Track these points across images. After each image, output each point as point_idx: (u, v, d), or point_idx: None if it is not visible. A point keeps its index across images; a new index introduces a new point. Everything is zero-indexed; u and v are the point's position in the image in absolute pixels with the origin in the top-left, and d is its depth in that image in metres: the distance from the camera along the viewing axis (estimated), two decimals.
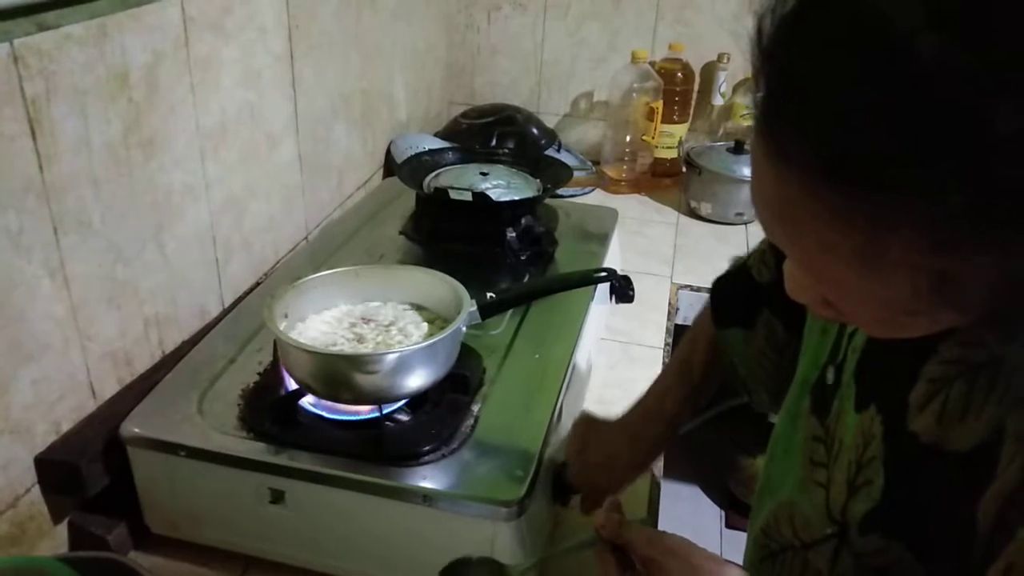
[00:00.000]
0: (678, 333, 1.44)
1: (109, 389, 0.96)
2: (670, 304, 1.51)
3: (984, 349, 0.51)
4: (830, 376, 0.64)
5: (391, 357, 0.80)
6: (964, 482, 0.50)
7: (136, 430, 0.87)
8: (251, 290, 1.23)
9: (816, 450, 0.64)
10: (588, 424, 0.92)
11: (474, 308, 0.89)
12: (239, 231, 1.20)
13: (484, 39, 2.00)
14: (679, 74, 1.91)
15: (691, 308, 1.54)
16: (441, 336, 0.83)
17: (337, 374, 0.81)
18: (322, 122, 1.42)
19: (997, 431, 0.49)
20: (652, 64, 1.88)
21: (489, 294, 0.90)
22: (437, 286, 0.95)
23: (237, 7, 1.11)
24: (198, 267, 1.11)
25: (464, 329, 0.88)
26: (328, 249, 1.32)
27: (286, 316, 0.90)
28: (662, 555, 0.60)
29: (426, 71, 1.93)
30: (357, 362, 0.80)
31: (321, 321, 0.93)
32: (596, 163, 1.95)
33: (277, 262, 1.32)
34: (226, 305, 1.19)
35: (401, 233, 1.30)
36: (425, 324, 0.94)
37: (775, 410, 0.78)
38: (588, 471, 0.89)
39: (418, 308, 0.98)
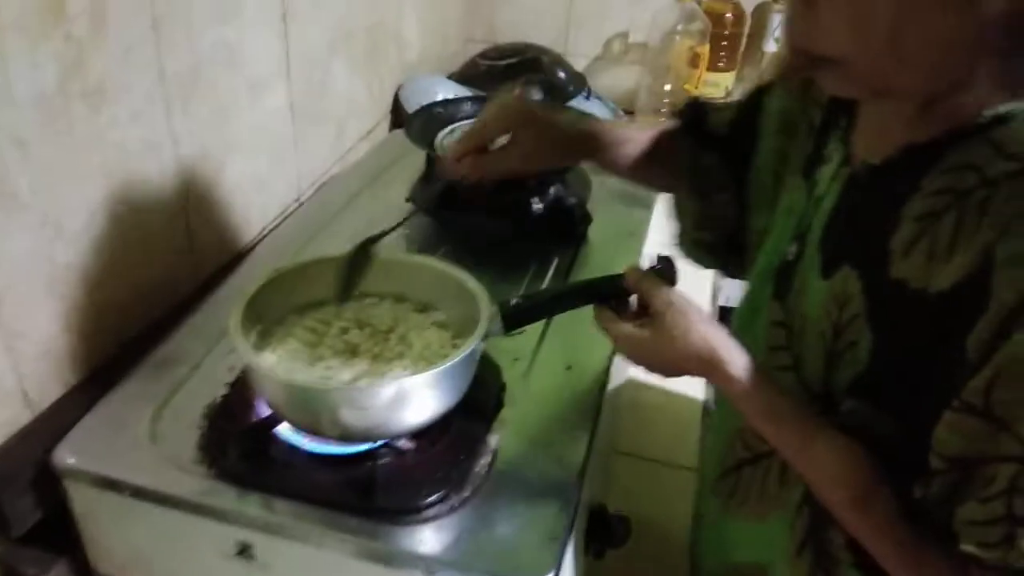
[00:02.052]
0: (722, 317, 1.26)
1: (49, 395, 0.79)
2: (713, 285, 1.33)
3: (974, 172, 0.50)
4: (791, 252, 0.65)
5: (387, 390, 0.62)
6: (951, 323, 0.50)
7: (71, 460, 0.70)
8: (232, 263, 1.05)
9: (776, 335, 0.65)
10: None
11: (496, 318, 0.70)
12: (215, 194, 1.02)
13: None
14: (728, 15, 1.68)
15: (736, 288, 1.35)
16: (452, 361, 0.65)
17: (320, 410, 0.63)
18: (318, 63, 1.22)
19: (985, 263, 0.48)
20: (699, 2, 1.65)
21: (514, 300, 0.71)
22: (449, 282, 0.76)
23: None
24: (163, 239, 0.93)
25: (482, 346, 0.70)
26: (324, 216, 1.13)
27: (259, 321, 0.72)
28: (666, 306, 0.64)
29: (441, 4, 1.70)
30: (344, 397, 0.63)
31: (304, 327, 0.74)
32: (630, 113, 1.73)
33: (264, 229, 1.14)
34: (202, 277, 1.01)
35: (408, 200, 1.11)
36: (432, 330, 0.76)
37: (687, 244, 0.87)
38: (520, 113, 0.79)
39: (424, 309, 0.79)
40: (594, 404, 0.81)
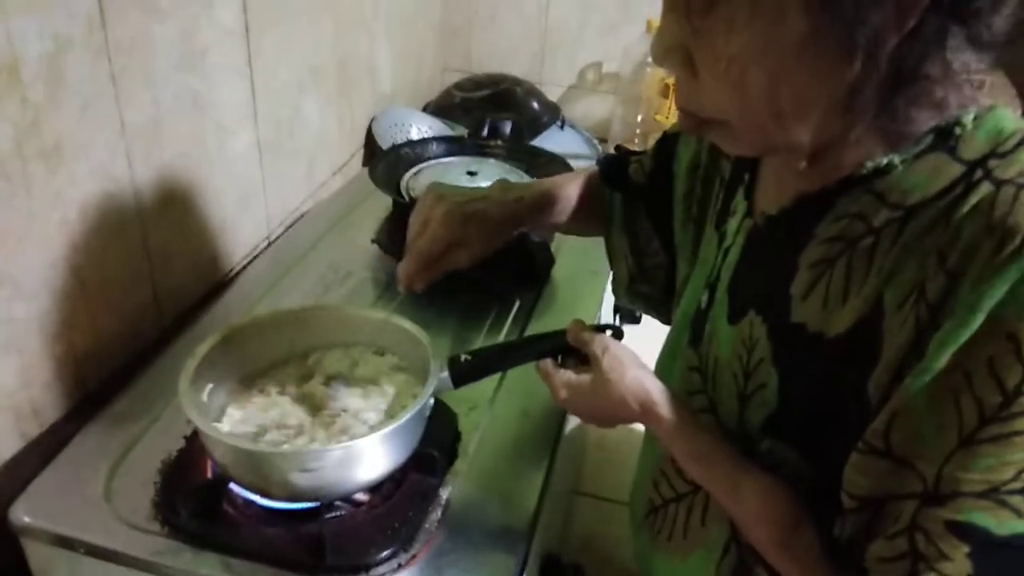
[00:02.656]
0: None
1: (8, 448, 0.80)
2: None
3: (861, 220, 0.54)
4: (704, 300, 0.68)
5: (335, 453, 0.63)
6: (848, 365, 0.53)
7: (27, 519, 0.71)
8: (198, 307, 1.06)
9: (692, 380, 0.69)
10: (439, 187, 0.86)
11: (445, 374, 0.72)
12: (180, 240, 1.03)
13: None
14: None
15: None
16: (400, 421, 0.66)
17: (268, 472, 0.64)
18: (287, 102, 1.23)
19: (875, 307, 0.52)
20: None
21: (464, 356, 0.73)
22: (401, 337, 0.77)
23: None
24: (125, 288, 0.94)
25: (432, 402, 0.71)
26: (293, 256, 1.14)
27: (212, 377, 0.73)
28: (602, 351, 0.68)
29: (416, 35, 1.72)
30: (292, 460, 0.64)
31: (257, 384, 0.75)
32: (603, 141, 1.75)
33: (232, 271, 1.15)
34: (167, 324, 1.02)
35: (374, 241, 1.12)
36: (388, 385, 0.77)
37: (623, 301, 0.90)
38: (459, 216, 0.80)
39: (381, 353, 0.81)
40: (548, 451, 0.82)
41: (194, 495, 0.70)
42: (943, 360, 0.47)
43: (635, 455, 0.80)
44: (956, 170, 0.50)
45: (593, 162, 0.92)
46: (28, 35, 0.73)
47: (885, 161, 0.53)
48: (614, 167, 0.88)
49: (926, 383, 0.48)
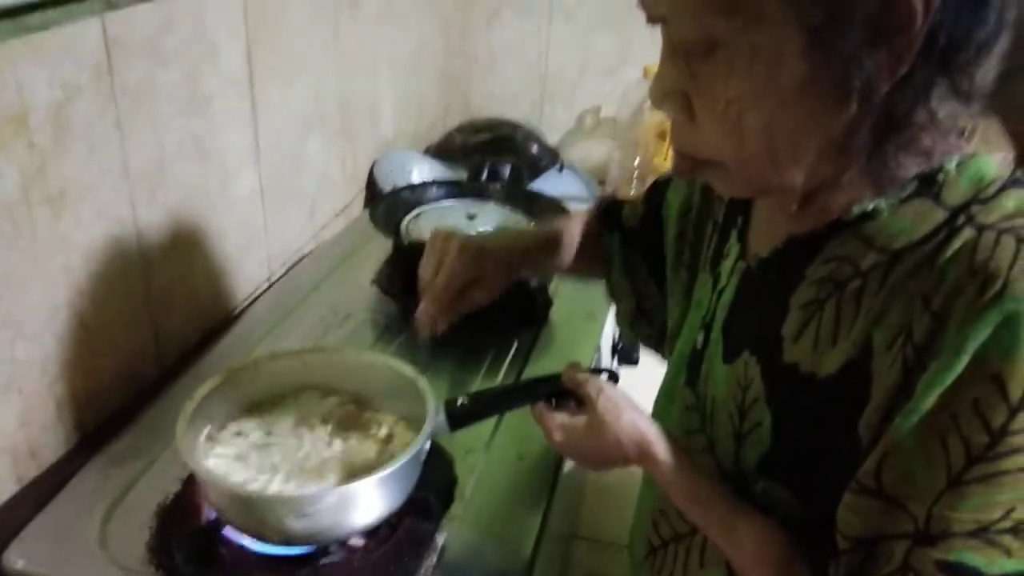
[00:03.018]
0: None
1: (5, 491, 0.80)
2: None
3: (849, 263, 0.55)
4: (699, 340, 0.69)
5: (330, 497, 0.63)
6: (840, 405, 0.54)
7: (20, 564, 0.71)
8: (199, 346, 1.07)
9: (690, 420, 0.69)
10: (444, 228, 0.86)
11: (441, 418, 0.72)
12: (182, 281, 1.04)
13: (483, 45, 1.82)
14: None
15: None
16: (396, 465, 0.66)
17: (263, 516, 0.64)
18: (290, 146, 1.25)
19: (864, 349, 0.53)
20: None
21: (461, 399, 0.73)
22: (398, 380, 0.78)
23: (178, 24, 0.93)
24: (126, 330, 0.94)
25: (428, 446, 0.71)
26: (294, 298, 1.15)
27: (211, 419, 0.74)
28: (597, 392, 0.69)
29: (418, 80, 1.75)
30: (287, 504, 0.64)
31: (255, 427, 0.76)
32: (602, 183, 1.76)
33: (233, 311, 1.16)
34: (167, 365, 1.03)
35: (373, 283, 1.13)
36: (384, 428, 0.77)
37: (629, 339, 0.93)
38: (474, 250, 0.81)
39: (377, 396, 0.81)
40: (545, 494, 0.82)
41: (189, 539, 0.70)
42: (931, 401, 0.48)
43: (633, 497, 0.80)
44: (940, 215, 0.52)
45: (591, 203, 0.93)
46: (37, 84, 0.75)
47: (872, 206, 0.54)
48: (610, 211, 0.90)
49: (915, 424, 0.48)
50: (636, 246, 0.87)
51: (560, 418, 0.71)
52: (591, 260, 0.90)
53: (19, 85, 0.73)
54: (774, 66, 0.49)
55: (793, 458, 0.59)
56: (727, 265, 0.68)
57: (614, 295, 0.91)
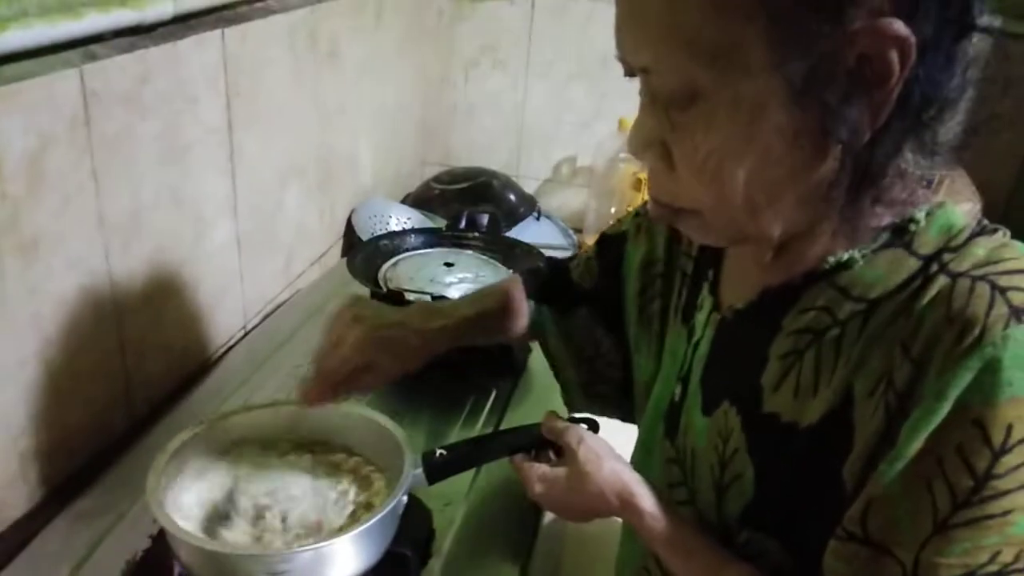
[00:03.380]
0: None
1: None
2: None
3: (826, 313, 0.55)
4: (677, 392, 0.68)
5: (304, 556, 0.62)
6: (823, 454, 0.54)
7: None
8: (172, 396, 1.05)
9: (672, 472, 0.68)
10: (358, 301, 0.80)
11: (419, 471, 0.71)
12: (155, 331, 1.02)
13: (461, 96, 1.84)
14: None
15: None
16: (372, 521, 0.65)
17: (234, 573, 0.62)
18: (268, 196, 1.25)
19: (845, 397, 0.53)
20: None
21: (439, 451, 0.72)
22: (375, 432, 0.77)
23: (157, 76, 0.93)
24: (96, 382, 0.93)
25: (405, 500, 0.70)
26: (269, 348, 1.14)
27: (181, 473, 0.72)
28: (577, 442, 0.69)
29: (397, 130, 1.77)
30: (259, 562, 0.62)
31: (228, 480, 0.74)
32: (578, 231, 1.78)
33: (208, 359, 1.14)
34: (139, 415, 1.01)
35: None
36: (360, 481, 0.76)
37: (578, 406, 0.88)
38: (374, 341, 0.74)
39: (351, 450, 0.79)
40: (525, 547, 0.80)
41: None
42: (914, 447, 0.48)
43: (615, 549, 0.79)
44: (913, 264, 0.52)
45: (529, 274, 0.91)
46: (12, 132, 0.75)
47: (846, 256, 0.55)
48: (545, 280, 0.88)
49: (899, 470, 0.49)
50: (585, 307, 0.85)
51: (540, 470, 0.70)
52: (520, 333, 0.87)
53: None
54: (756, 117, 0.49)
55: (777, 507, 0.58)
56: (701, 318, 0.69)
57: (555, 365, 0.89)
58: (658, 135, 0.54)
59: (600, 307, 0.85)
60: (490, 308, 0.83)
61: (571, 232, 1.77)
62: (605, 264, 0.85)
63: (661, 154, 0.54)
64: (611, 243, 0.84)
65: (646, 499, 0.64)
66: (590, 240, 1.76)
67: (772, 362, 0.58)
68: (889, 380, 0.50)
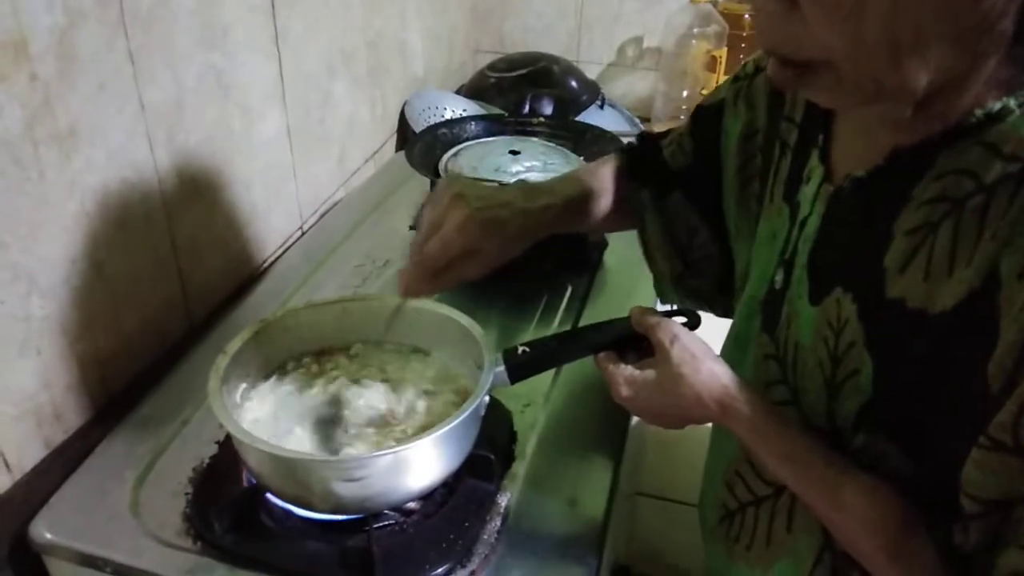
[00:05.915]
0: None
1: (29, 459, 0.74)
2: None
3: (969, 177, 0.46)
4: (779, 279, 0.61)
5: (383, 461, 0.56)
6: (958, 346, 0.46)
7: (49, 536, 0.65)
8: (228, 300, 1.00)
9: (769, 369, 0.61)
10: (457, 179, 0.72)
11: (501, 369, 0.64)
12: (209, 230, 0.96)
13: None
14: (747, 16, 1.61)
15: None
16: (453, 423, 0.58)
17: (310, 482, 0.57)
18: (317, 84, 1.16)
19: (990, 278, 0.45)
20: (715, 4, 1.57)
21: (521, 348, 0.65)
22: (450, 329, 0.70)
23: None
24: (151, 284, 0.88)
25: (487, 400, 0.64)
26: (327, 246, 1.08)
27: (247, 375, 0.67)
28: (671, 340, 0.61)
29: (447, 15, 1.65)
30: (336, 468, 0.57)
31: (292, 380, 0.68)
32: (646, 120, 1.66)
33: (264, 263, 1.08)
34: (196, 320, 0.96)
35: (412, 227, 1.05)
36: (427, 384, 0.70)
37: (671, 299, 0.80)
38: (478, 224, 0.66)
39: (422, 353, 0.73)
40: (615, 448, 0.74)
41: (229, 507, 0.64)
42: None
43: (699, 451, 0.72)
44: None
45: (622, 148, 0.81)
46: (36, 7, 0.67)
47: (999, 106, 0.45)
48: (640, 157, 0.78)
49: None
50: (680, 190, 0.76)
51: (628, 371, 0.63)
52: (622, 218, 0.79)
53: (15, 8, 0.65)
54: None
55: (899, 408, 0.51)
56: (808, 191, 0.59)
57: (649, 255, 0.81)
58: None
59: (696, 190, 0.75)
60: (591, 188, 0.74)
61: (638, 121, 1.65)
62: (700, 140, 0.74)
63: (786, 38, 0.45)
64: (707, 115, 0.74)
65: (748, 404, 0.57)
66: (660, 130, 1.65)
67: (898, 239, 0.50)
68: None
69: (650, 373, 0.61)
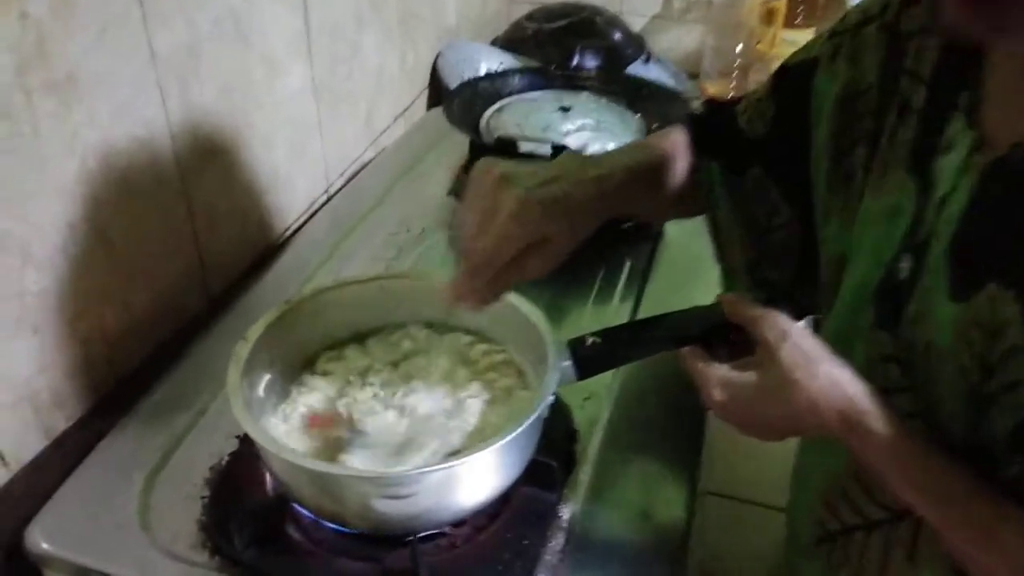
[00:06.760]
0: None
1: (28, 449, 0.66)
2: None
3: None
4: (904, 269, 0.51)
5: (434, 476, 0.47)
6: None
7: (45, 545, 0.57)
8: (249, 272, 0.91)
9: (888, 374, 0.51)
10: (494, 162, 0.57)
11: (568, 363, 0.55)
12: (227, 195, 0.87)
13: None
14: None
15: None
16: (515, 432, 0.49)
17: (346, 498, 0.48)
18: (344, 35, 1.06)
19: None
20: None
21: (590, 339, 0.55)
22: (506, 315, 0.60)
23: None
24: (164, 254, 0.79)
25: (553, 400, 0.54)
26: (356, 213, 0.98)
27: (271, 364, 0.57)
28: (781, 339, 0.51)
29: None
30: (378, 485, 0.47)
31: (324, 371, 0.59)
32: (694, 76, 1.54)
33: (287, 230, 0.99)
34: (214, 295, 0.87)
35: (450, 194, 0.96)
36: (476, 379, 0.61)
37: (743, 287, 0.68)
38: (537, 206, 0.54)
39: (476, 336, 0.64)
40: (693, 445, 0.65)
41: (251, 517, 0.55)
42: None
43: (762, 445, 0.62)
44: None
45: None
46: None
47: None
48: (710, 127, 0.67)
49: None
50: (758, 165, 0.65)
51: (723, 371, 0.53)
52: (692, 197, 0.67)
53: None
54: None
55: None
56: (950, 162, 0.49)
57: (719, 241, 0.70)
58: None
59: (776, 163, 0.64)
60: (662, 152, 0.63)
61: (685, 77, 1.53)
62: (785, 103, 0.63)
63: None
64: (794, 75, 0.62)
65: (883, 421, 0.47)
66: (710, 88, 1.52)
67: None
68: None
69: (751, 376, 0.51)
